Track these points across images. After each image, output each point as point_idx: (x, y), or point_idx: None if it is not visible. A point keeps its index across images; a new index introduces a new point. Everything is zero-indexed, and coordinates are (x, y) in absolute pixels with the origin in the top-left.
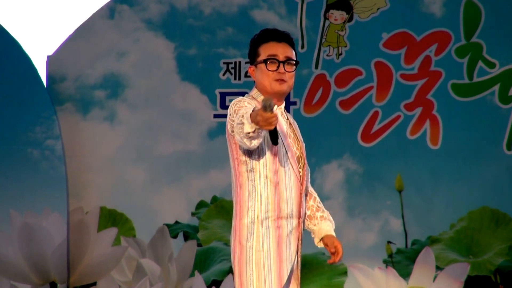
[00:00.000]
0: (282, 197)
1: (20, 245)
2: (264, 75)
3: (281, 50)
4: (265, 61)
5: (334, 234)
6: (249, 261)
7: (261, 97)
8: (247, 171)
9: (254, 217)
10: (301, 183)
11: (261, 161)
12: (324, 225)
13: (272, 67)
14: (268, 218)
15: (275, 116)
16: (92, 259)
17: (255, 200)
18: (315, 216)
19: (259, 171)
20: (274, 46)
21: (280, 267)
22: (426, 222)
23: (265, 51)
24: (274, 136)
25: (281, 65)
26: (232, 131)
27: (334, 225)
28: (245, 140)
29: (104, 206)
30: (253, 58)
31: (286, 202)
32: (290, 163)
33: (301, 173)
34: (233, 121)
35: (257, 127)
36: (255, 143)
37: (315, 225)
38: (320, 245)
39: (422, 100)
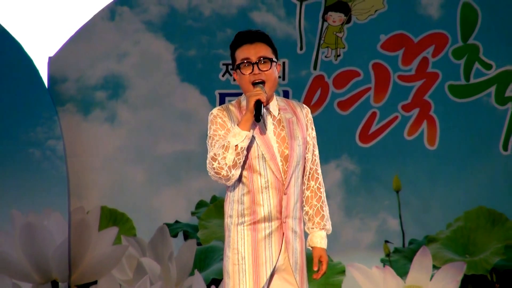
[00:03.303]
0: (258, 202)
1: (22, 244)
2: (242, 80)
3: (253, 51)
4: (238, 66)
5: (324, 245)
6: (226, 264)
7: (245, 101)
8: None
9: (231, 221)
10: (283, 184)
11: None
12: (316, 236)
13: (247, 70)
14: (243, 223)
15: (261, 91)
16: (93, 258)
17: (232, 204)
18: (312, 220)
19: (238, 179)
20: (247, 49)
21: (257, 271)
22: (423, 221)
23: (238, 55)
24: (258, 109)
25: (255, 66)
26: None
27: (331, 225)
28: (220, 178)
29: (105, 206)
30: (233, 64)
31: (262, 206)
32: (269, 165)
33: (285, 172)
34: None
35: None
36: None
37: (309, 230)
38: (310, 248)
39: (419, 101)
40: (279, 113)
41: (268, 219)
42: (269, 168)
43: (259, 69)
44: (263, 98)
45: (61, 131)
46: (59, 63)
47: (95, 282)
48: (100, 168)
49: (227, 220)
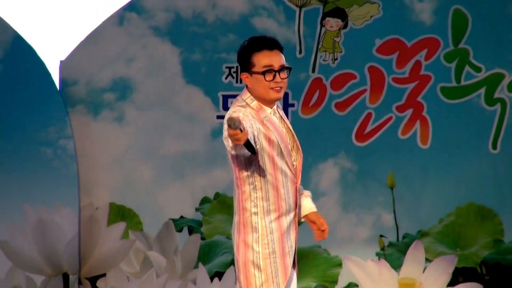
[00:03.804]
0: (281, 196)
1: (34, 239)
2: (260, 84)
3: (275, 59)
4: (263, 73)
5: (316, 209)
6: (256, 259)
7: (254, 102)
8: (247, 176)
9: (257, 218)
10: (296, 176)
11: (260, 165)
12: (305, 202)
13: (270, 77)
14: (270, 218)
15: (239, 134)
16: (102, 251)
17: (256, 201)
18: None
19: (259, 174)
20: (268, 56)
21: (284, 262)
22: (416, 217)
23: (259, 60)
24: (248, 147)
25: (277, 74)
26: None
27: (319, 212)
28: (231, 152)
29: (113, 202)
30: (246, 66)
31: (284, 200)
32: (286, 161)
33: (295, 166)
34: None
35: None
36: (240, 152)
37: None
38: (303, 220)
39: (412, 102)
40: (278, 112)
41: (288, 211)
42: (286, 164)
43: (280, 77)
44: (244, 138)
45: (71, 131)
46: (70, 66)
47: (104, 275)
48: (109, 166)
49: (250, 217)
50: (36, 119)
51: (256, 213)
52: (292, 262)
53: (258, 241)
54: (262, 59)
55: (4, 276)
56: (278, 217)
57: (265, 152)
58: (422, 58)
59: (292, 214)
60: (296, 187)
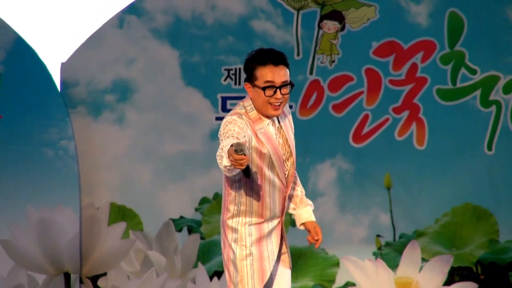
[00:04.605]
0: (266, 205)
1: (36, 238)
2: (260, 98)
3: (278, 75)
4: (263, 88)
5: (314, 218)
6: (233, 259)
7: (253, 112)
8: (234, 181)
9: (238, 220)
10: (286, 187)
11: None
12: (303, 211)
13: (270, 92)
14: (251, 223)
15: (245, 159)
16: (103, 251)
17: (239, 206)
18: (294, 201)
19: (246, 183)
20: (271, 71)
21: (262, 266)
22: (412, 217)
23: (262, 75)
24: (246, 172)
25: (278, 90)
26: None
27: (317, 213)
28: (224, 171)
29: (114, 202)
30: (249, 77)
31: (270, 209)
32: (277, 172)
33: (287, 175)
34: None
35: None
36: (233, 173)
37: (294, 209)
38: (302, 228)
39: (409, 104)
40: (278, 121)
41: (272, 218)
42: (276, 175)
43: (281, 93)
44: (247, 163)
45: (72, 132)
46: (70, 68)
47: (104, 274)
48: (109, 167)
49: (232, 220)
50: (37, 120)
51: (238, 215)
52: (271, 267)
53: (237, 242)
54: (266, 74)
55: (7, 275)
56: (260, 223)
57: (254, 164)
58: (419, 61)
59: (276, 221)
60: (285, 196)
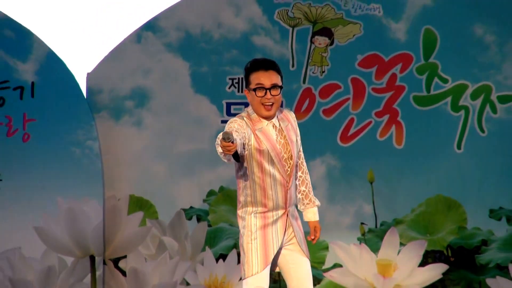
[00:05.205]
0: (268, 197)
1: (65, 226)
2: (254, 100)
3: (268, 78)
4: (254, 90)
5: (317, 218)
6: (243, 243)
7: (254, 115)
8: (241, 175)
9: (246, 210)
10: (287, 181)
11: (250, 169)
12: (309, 211)
13: (260, 93)
14: (256, 212)
15: (232, 146)
16: (123, 237)
17: (246, 197)
18: (303, 202)
19: (249, 176)
20: (262, 75)
21: (266, 251)
22: (392, 207)
23: (253, 79)
24: (235, 157)
25: (267, 91)
26: None
27: (319, 207)
28: (221, 157)
29: (133, 194)
30: (246, 84)
31: (272, 200)
32: (277, 167)
33: (288, 172)
34: None
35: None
36: (226, 159)
37: (302, 208)
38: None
39: (389, 109)
40: (279, 124)
41: (275, 208)
42: (277, 170)
43: (270, 94)
44: (234, 150)
45: (97, 133)
46: (95, 78)
47: (124, 257)
48: (129, 163)
49: (241, 210)
50: (66, 123)
51: (245, 206)
52: (275, 251)
53: (245, 228)
54: (257, 78)
55: (40, 257)
56: (264, 212)
57: (254, 159)
58: (398, 71)
59: (280, 212)
60: (287, 189)
